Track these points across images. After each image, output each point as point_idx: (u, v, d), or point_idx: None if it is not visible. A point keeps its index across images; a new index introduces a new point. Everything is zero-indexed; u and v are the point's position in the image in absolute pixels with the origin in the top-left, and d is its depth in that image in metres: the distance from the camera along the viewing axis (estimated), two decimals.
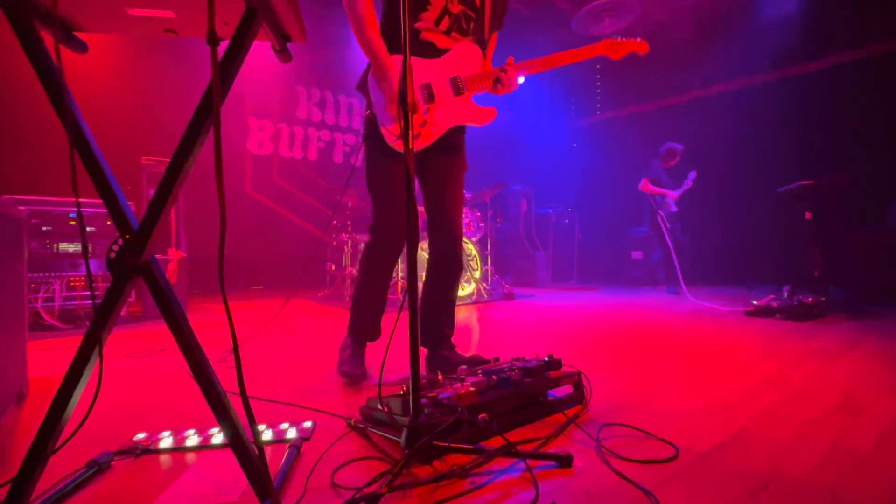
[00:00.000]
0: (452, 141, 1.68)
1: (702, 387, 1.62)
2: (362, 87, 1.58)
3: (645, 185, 4.87)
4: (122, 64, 4.45)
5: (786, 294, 3.44)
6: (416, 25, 1.52)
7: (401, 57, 1.35)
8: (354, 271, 4.41)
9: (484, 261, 4.70)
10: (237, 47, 0.78)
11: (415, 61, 1.50)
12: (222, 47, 0.79)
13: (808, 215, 3.70)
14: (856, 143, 4.74)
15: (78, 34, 0.88)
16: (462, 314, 3.55)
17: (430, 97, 1.53)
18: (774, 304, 3.24)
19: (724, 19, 5.56)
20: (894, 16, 4.58)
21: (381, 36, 1.48)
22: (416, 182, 1.64)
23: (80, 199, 0.78)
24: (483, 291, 4.48)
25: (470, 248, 4.34)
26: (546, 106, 7.97)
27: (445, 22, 1.52)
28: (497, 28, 1.70)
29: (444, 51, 1.57)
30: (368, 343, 1.78)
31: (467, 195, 4.74)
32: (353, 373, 1.66)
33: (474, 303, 4.22)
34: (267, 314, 3.54)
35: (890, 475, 1.00)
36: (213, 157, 0.68)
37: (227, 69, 0.78)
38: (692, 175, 4.79)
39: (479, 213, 4.61)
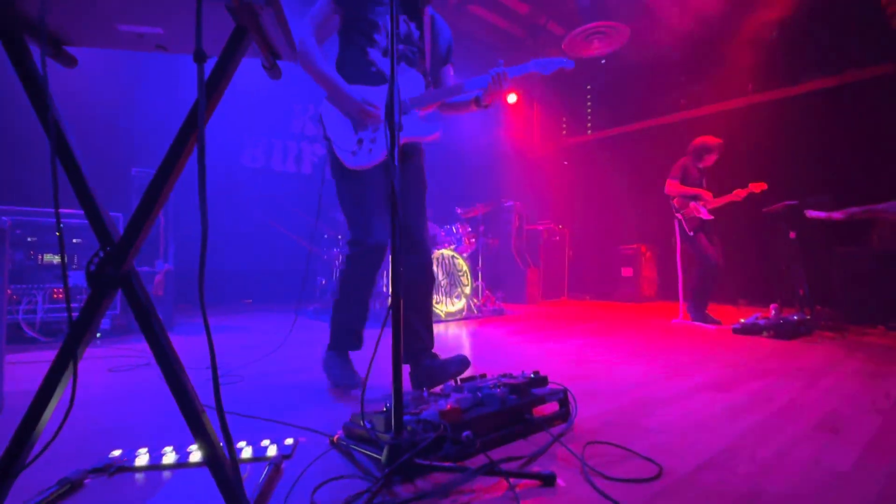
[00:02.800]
0: (406, 160, 1.81)
1: (687, 405, 1.62)
2: (318, 120, 1.78)
3: (671, 186, 3.94)
4: (114, 73, 4.46)
5: (773, 312, 3.48)
6: (368, 59, 1.74)
7: (356, 86, 1.69)
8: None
9: (475, 276, 4.70)
10: (225, 65, 0.79)
11: (364, 88, 1.71)
12: (211, 64, 0.80)
13: (791, 235, 3.77)
14: (838, 165, 4.87)
15: (68, 48, 0.89)
16: (452, 330, 3.54)
17: (378, 117, 1.71)
18: (761, 321, 3.28)
19: (710, 44, 5.74)
20: (870, 45, 4.76)
21: (338, 70, 1.77)
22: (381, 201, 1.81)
23: (70, 210, 0.78)
24: (473, 307, 4.47)
25: (461, 263, 4.35)
26: (538, 125, 8.10)
27: (395, 54, 1.67)
28: (444, 63, 1.91)
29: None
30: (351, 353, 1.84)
31: (458, 210, 4.78)
32: (342, 381, 1.74)
33: (464, 319, 4.21)
34: (257, 328, 3.50)
35: (870, 492, 1.01)
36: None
37: (214, 86, 0.79)
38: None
39: (469, 229, 4.63)
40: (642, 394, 1.76)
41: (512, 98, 7.35)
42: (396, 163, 1.01)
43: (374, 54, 1.73)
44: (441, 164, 7.08)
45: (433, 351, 1.79)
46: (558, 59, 1.65)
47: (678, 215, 3.96)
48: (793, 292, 3.83)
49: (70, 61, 0.90)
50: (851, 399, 1.70)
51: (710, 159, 4.00)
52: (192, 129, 0.77)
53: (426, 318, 1.81)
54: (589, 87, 7.47)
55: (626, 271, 6.05)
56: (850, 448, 1.24)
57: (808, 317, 3.41)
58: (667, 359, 2.43)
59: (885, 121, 4.63)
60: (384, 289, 4.21)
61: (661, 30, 5.72)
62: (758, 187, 3.91)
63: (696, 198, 3.93)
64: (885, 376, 2.05)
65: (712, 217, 3.93)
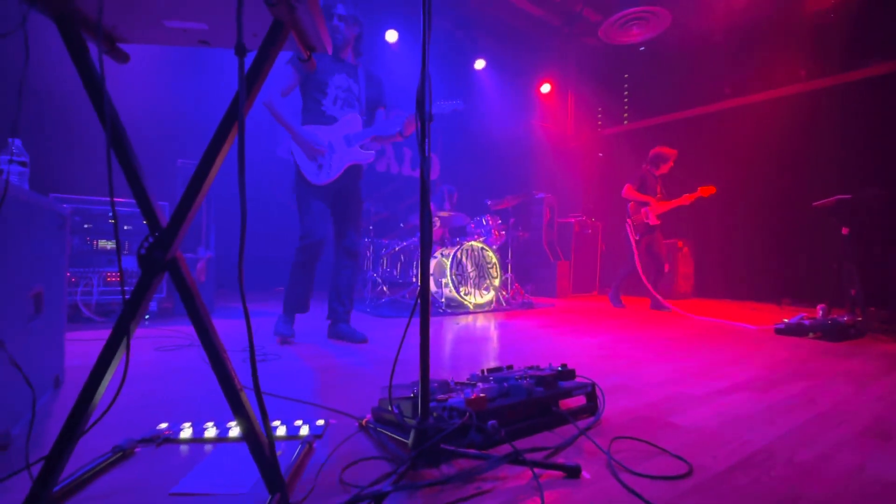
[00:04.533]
0: (349, 182, 2.49)
1: (722, 404, 1.57)
2: (290, 153, 2.46)
3: (628, 191, 4.47)
4: (162, 70, 4.68)
5: (820, 312, 3.30)
6: (322, 108, 2.41)
7: (313, 126, 2.39)
8: (376, 276, 4.48)
9: (504, 269, 4.68)
10: (264, 57, 0.82)
11: (319, 128, 2.39)
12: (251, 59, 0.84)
13: (844, 231, 3.54)
14: (894, 156, 4.51)
15: (120, 46, 0.95)
16: (480, 322, 3.55)
17: (332, 148, 2.38)
18: (806, 322, 3.11)
19: (757, 28, 5.41)
20: None
21: (302, 115, 2.45)
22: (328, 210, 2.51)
23: (122, 200, 0.84)
24: (502, 300, 4.46)
25: (490, 255, 4.34)
26: (572, 115, 7.92)
27: (339, 102, 2.44)
28: (376, 107, 2.59)
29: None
30: (298, 315, 2.56)
31: (488, 202, 4.77)
32: (285, 333, 2.42)
33: (493, 311, 4.20)
34: None
35: None
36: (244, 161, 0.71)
37: (253, 79, 0.82)
38: None
39: (500, 221, 4.61)
40: (674, 391, 1.71)
41: (545, 88, 7.21)
42: (427, 153, 1.02)
43: (326, 103, 2.41)
44: (471, 155, 7.06)
45: (349, 318, 2.62)
46: (455, 102, 2.28)
47: (628, 220, 4.51)
48: (843, 292, 3.60)
49: (123, 57, 0.95)
50: None
51: (666, 167, 4.50)
52: (233, 120, 0.80)
53: (350, 296, 2.61)
54: (626, 75, 7.21)
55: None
56: None
57: (860, 318, 3.21)
58: (702, 357, 2.35)
59: None
60: (413, 279, 4.26)
61: (706, 14, 5.44)
62: (706, 192, 4.25)
63: (646, 204, 4.44)
64: None
65: (659, 222, 4.43)
